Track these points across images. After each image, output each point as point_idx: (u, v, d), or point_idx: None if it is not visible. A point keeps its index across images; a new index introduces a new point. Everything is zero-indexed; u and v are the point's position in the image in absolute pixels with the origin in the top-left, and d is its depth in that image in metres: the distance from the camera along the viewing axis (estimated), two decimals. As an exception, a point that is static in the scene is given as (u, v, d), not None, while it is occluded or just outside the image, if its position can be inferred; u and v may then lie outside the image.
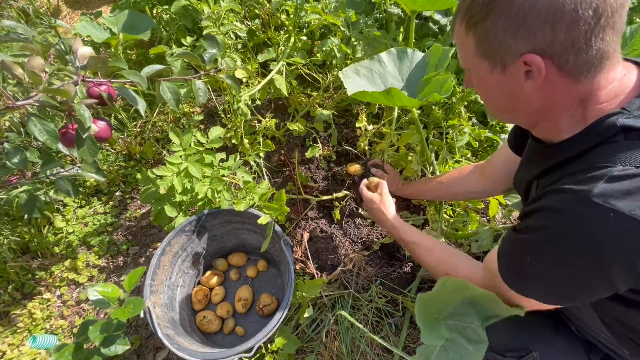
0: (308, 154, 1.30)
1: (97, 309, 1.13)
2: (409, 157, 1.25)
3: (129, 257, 1.25)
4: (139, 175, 1.12)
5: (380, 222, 0.97)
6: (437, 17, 1.70)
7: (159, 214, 1.09)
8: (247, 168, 1.39)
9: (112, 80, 0.76)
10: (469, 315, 0.74)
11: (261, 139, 1.45)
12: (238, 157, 1.15)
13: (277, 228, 1.00)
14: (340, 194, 1.26)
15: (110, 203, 1.37)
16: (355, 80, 1.13)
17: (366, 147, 1.38)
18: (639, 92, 0.51)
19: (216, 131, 1.13)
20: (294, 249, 1.21)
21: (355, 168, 1.33)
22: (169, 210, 1.03)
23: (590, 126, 0.52)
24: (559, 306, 0.62)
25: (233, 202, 1.03)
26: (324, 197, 1.24)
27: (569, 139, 0.55)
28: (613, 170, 0.46)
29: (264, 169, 1.38)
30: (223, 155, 1.15)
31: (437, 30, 1.75)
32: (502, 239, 0.65)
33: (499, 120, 0.68)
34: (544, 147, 0.61)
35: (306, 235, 1.24)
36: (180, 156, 1.06)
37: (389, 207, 0.96)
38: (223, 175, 1.06)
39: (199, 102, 0.92)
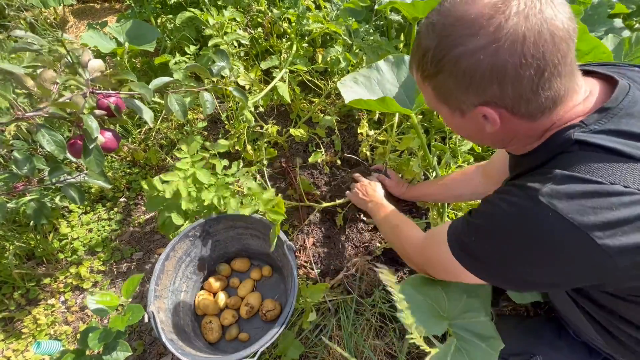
0: (311, 159, 1.32)
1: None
2: (411, 162, 1.26)
3: (133, 263, 1.26)
4: (144, 183, 1.13)
5: (364, 206, 1.13)
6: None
7: (165, 222, 1.11)
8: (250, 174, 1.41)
9: (120, 93, 0.78)
10: (473, 310, 0.74)
11: (264, 146, 1.46)
12: (241, 164, 1.17)
13: (280, 233, 1.01)
14: (342, 201, 1.27)
15: (115, 209, 1.38)
16: (353, 88, 1.15)
17: (368, 153, 1.39)
18: (598, 107, 0.53)
19: (223, 142, 1.15)
20: (297, 255, 1.22)
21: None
22: (176, 219, 1.04)
23: (549, 139, 0.55)
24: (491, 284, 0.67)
25: (239, 208, 1.04)
26: (327, 204, 1.25)
27: (532, 151, 0.59)
28: (563, 172, 0.50)
29: (266, 175, 1.39)
30: (226, 162, 1.16)
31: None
32: (458, 218, 0.70)
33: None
34: (515, 157, 0.65)
35: (310, 241, 1.25)
36: (188, 162, 1.08)
37: (374, 193, 1.12)
38: (228, 183, 1.07)
39: (206, 114, 0.93)
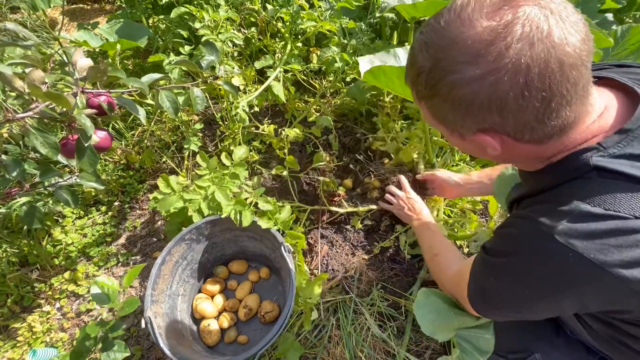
0: (315, 161, 1.29)
1: (97, 318, 1.12)
2: (410, 148, 1.25)
3: (129, 267, 1.24)
4: (153, 204, 1.11)
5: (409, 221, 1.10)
6: (431, 21, 1.72)
7: (172, 229, 1.12)
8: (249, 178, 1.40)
9: (111, 91, 0.77)
10: (482, 327, 0.76)
11: (259, 145, 1.45)
12: (260, 179, 1.14)
13: (277, 235, 1.00)
14: (364, 208, 1.25)
15: (109, 213, 1.37)
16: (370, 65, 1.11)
17: (381, 148, 1.36)
18: (619, 127, 0.48)
19: (240, 151, 1.13)
20: (306, 260, 1.20)
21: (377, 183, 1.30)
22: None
23: (564, 160, 0.51)
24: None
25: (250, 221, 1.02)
26: (350, 209, 1.24)
27: (544, 170, 0.54)
28: (581, 208, 0.46)
29: (290, 184, 1.37)
30: (246, 173, 1.15)
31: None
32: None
33: None
34: (526, 175, 0.61)
35: (325, 249, 1.23)
36: (209, 179, 1.07)
37: (422, 210, 1.08)
38: (246, 199, 1.05)
39: (197, 110, 0.92)
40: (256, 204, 1.05)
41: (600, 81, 0.54)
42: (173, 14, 1.24)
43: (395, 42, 1.55)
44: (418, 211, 1.09)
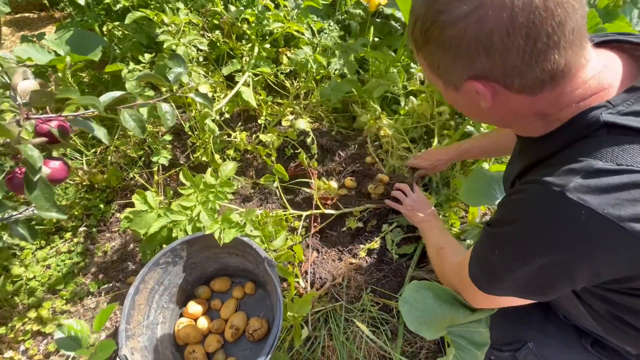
0: (301, 159, 1.25)
1: (68, 358, 1.03)
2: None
3: (101, 297, 1.15)
4: (125, 223, 1.03)
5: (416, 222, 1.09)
6: (399, 14, 1.71)
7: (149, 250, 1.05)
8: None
9: (62, 115, 0.68)
10: (478, 321, 0.75)
11: (233, 153, 1.39)
12: (257, 211, 1.08)
13: (259, 250, 0.95)
14: (360, 208, 1.22)
15: (75, 240, 1.26)
16: None
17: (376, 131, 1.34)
18: (627, 86, 0.48)
19: (228, 167, 1.06)
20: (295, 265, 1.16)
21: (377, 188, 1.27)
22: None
23: (571, 121, 0.49)
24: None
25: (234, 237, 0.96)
26: (346, 210, 1.20)
27: (549, 134, 0.53)
28: (592, 164, 0.44)
29: (282, 195, 1.31)
30: (235, 185, 1.08)
31: (400, 27, 1.76)
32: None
33: None
34: (527, 141, 0.59)
35: (313, 255, 1.19)
36: (194, 199, 1.00)
37: (431, 211, 1.08)
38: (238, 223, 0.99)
39: (167, 127, 0.85)
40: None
41: (603, 45, 0.53)
42: (128, 20, 1.14)
43: (371, 37, 1.52)
44: (428, 212, 1.09)
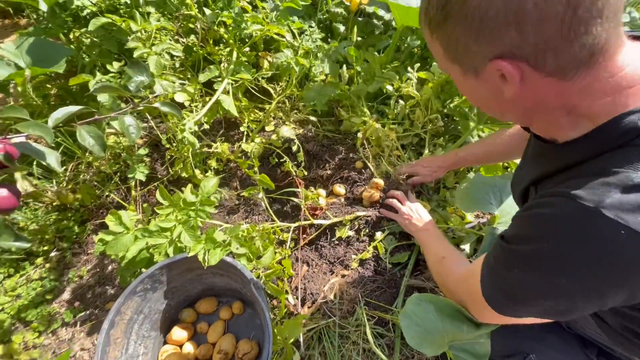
0: (287, 168, 1.19)
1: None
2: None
3: (77, 328, 1.07)
4: (100, 247, 0.95)
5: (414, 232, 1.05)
6: (381, 13, 1.66)
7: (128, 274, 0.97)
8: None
9: (7, 137, 0.61)
10: (479, 337, 0.71)
11: (215, 164, 1.32)
12: (243, 226, 1.02)
13: (245, 270, 0.89)
14: (351, 216, 1.17)
15: (47, 265, 1.17)
16: None
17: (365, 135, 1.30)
18: None
19: (210, 183, 0.99)
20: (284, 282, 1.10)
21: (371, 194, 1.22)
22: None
23: (604, 126, 0.43)
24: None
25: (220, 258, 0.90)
26: (336, 219, 1.14)
27: (578, 141, 0.46)
28: (632, 177, 0.39)
29: (268, 207, 1.24)
30: (213, 207, 1.01)
31: (382, 25, 1.72)
32: (493, 247, 0.58)
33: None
34: (548, 147, 0.53)
35: (304, 270, 1.13)
36: (173, 219, 0.93)
37: (429, 220, 1.04)
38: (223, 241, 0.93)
39: (132, 141, 0.79)
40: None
41: (637, 39, 0.47)
42: (91, 26, 1.06)
43: (354, 37, 1.47)
44: (426, 220, 1.05)
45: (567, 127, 0.47)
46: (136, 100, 0.87)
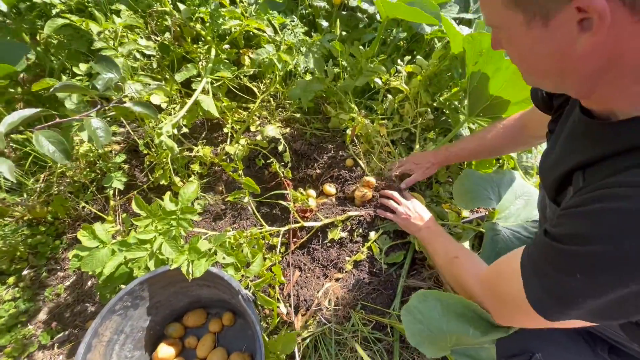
0: (274, 169, 1.14)
1: None
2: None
3: (55, 350, 1.00)
4: (75, 263, 0.88)
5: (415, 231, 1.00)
6: (365, 6, 1.61)
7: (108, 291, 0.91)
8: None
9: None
10: (483, 343, 0.68)
11: (198, 168, 1.26)
12: (230, 232, 0.96)
13: (232, 281, 0.84)
14: (343, 217, 1.12)
15: (21, 284, 1.09)
16: None
17: (353, 138, 1.25)
18: None
19: (190, 189, 0.92)
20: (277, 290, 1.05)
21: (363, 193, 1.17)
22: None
23: None
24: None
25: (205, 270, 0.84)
26: (327, 220, 1.09)
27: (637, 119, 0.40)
28: None
29: (255, 210, 1.17)
30: (197, 216, 0.95)
31: (366, 19, 1.67)
32: (532, 243, 0.52)
33: (538, 87, 0.58)
34: (599, 124, 0.46)
35: (296, 275, 1.08)
36: (152, 229, 0.86)
37: (429, 217, 0.99)
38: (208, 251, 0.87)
39: (100, 145, 0.72)
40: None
41: None
42: (47, 29, 0.98)
43: (338, 31, 1.42)
44: (426, 218, 1.00)
45: (635, 100, 0.41)
46: (101, 101, 0.80)
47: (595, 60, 0.39)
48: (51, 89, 0.68)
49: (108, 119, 1.25)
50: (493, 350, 0.70)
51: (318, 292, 1.04)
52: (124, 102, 0.80)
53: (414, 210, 1.03)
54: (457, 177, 1.06)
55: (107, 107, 0.73)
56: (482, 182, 1.01)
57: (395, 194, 1.10)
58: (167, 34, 1.22)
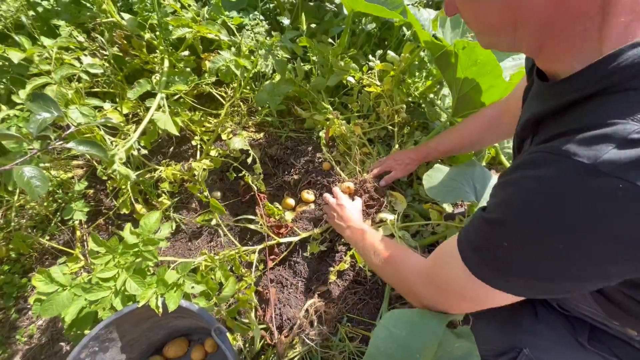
0: (247, 182, 1.08)
1: None
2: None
3: (30, 398, 0.96)
4: (37, 308, 0.82)
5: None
6: (333, -5, 1.52)
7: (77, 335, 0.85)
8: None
9: None
10: (463, 338, 0.63)
11: (168, 187, 1.19)
12: (200, 258, 0.90)
13: (204, 314, 0.79)
14: (320, 229, 1.07)
15: (-12, 330, 1.04)
16: None
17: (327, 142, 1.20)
18: None
19: (151, 219, 0.86)
20: (259, 313, 1.00)
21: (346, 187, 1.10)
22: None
23: (607, 58, 0.38)
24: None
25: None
26: (305, 234, 1.04)
27: (577, 75, 0.41)
28: (630, 130, 0.35)
29: (228, 233, 1.12)
30: (164, 242, 0.89)
31: (335, 9, 1.58)
32: (469, 221, 0.51)
33: (494, 49, 0.54)
34: (546, 85, 0.47)
35: (273, 292, 1.03)
36: (112, 266, 0.80)
37: (351, 215, 0.92)
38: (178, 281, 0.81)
39: (36, 197, 0.65)
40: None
41: None
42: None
43: (304, 26, 1.33)
44: (347, 218, 0.91)
45: (577, 53, 0.41)
46: (45, 143, 0.72)
47: (546, 7, 0.40)
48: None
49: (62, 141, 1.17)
50: (474, 348, 0.66)
51: (301, 311, 1.00)
52: (66, 140, 0.72)
53: (341, 210, 0.95)
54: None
55: (38, 155, 0.65)
56: (454, 174, 0.97)
57: (327, 196, 1.03)
58: (115, 48, 1.13)
